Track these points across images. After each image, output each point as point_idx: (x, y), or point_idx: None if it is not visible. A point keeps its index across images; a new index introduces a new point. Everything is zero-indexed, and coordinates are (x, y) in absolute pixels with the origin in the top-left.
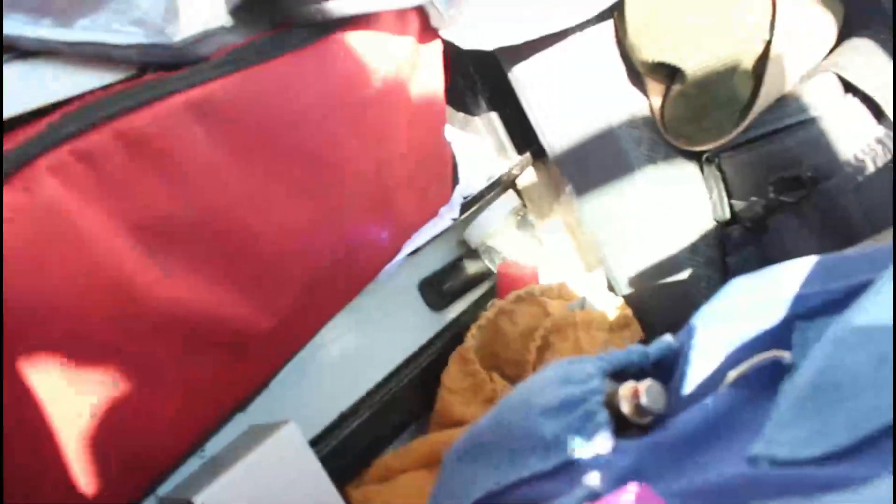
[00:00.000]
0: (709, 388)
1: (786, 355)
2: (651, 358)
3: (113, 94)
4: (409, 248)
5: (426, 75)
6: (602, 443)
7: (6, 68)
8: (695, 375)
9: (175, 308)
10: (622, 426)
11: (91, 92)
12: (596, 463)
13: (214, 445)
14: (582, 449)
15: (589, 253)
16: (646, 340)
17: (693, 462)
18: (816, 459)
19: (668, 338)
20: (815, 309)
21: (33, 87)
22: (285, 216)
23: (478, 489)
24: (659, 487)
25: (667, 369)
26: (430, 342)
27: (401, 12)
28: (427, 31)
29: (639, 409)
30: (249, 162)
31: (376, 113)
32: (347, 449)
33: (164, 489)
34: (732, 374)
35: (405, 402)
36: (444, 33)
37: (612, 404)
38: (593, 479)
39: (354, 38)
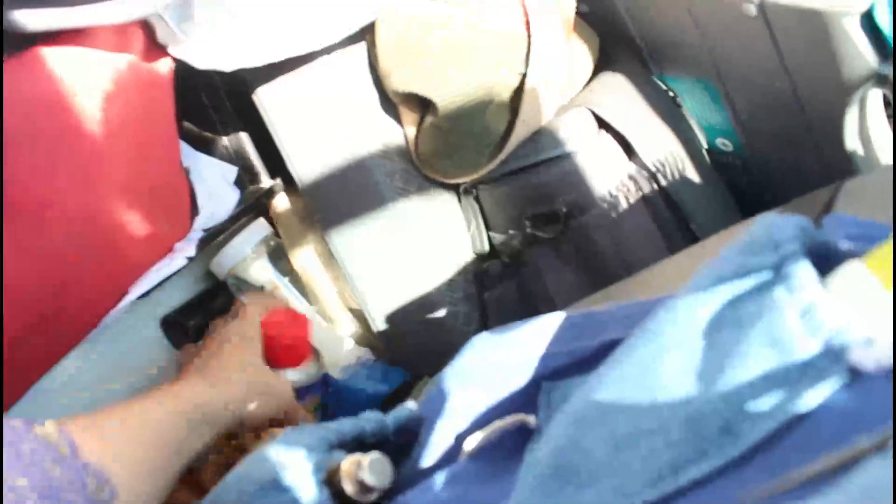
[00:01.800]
0: (450, 459)
1: (530, 420)
2: (391, 427)
3: None
4: (139, 288)
5: (152, 97)
6: None
7: None
8: (436, 444)
9: None
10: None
11: None
12: None
13: None
14: None
15: (345, 286)
16: (410, 383)
17: None
18: None
19: (410, 404)
20: (561, 369)
21: None
22: None
23: None
24: None
25: (412, 438)
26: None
27: (120, 27)
28: (154, 47)
29: (362, 485)
30: None
31: (86, 142)
32: None
33: None
34: (471, 443)
35: None
36: (174, 51)
37: (333, 481)
38: None
39: (57, 56)
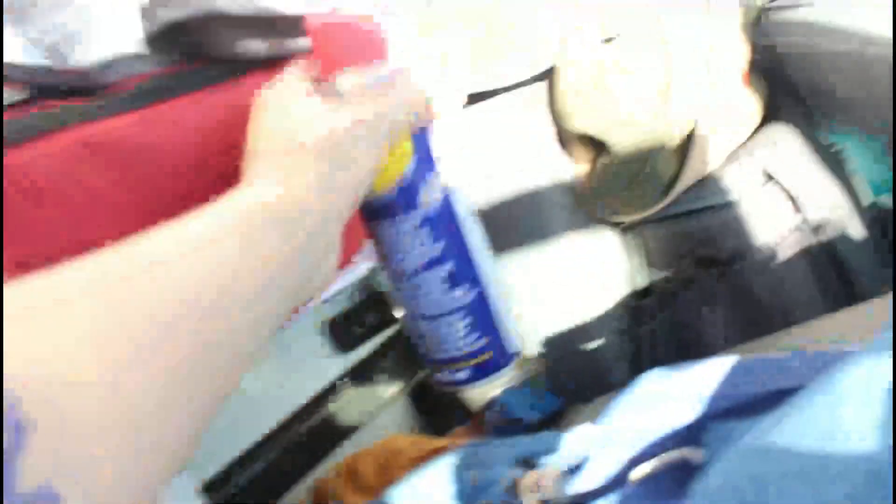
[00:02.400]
0: (617, 482)
1: (696, 455)
2: (561, 448)
3: None
4: (321, 295)
5: None
6: None
7: None
8: (603, 467)
9: None
10: None
11: None
12: None
13: None
14: None
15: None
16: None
17: None
18: None
19: (582, 429)
20: (729, 410)
21: None
22: None
23: None
24: None
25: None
26: (334, 384)
27: None
28: None
29: (541, 499)
30: (146, 210)
31: None
32: (242, 497)
33: None
34: (641, 471)
35: (305, 447)
36: None
37: (514, 492)
38: None
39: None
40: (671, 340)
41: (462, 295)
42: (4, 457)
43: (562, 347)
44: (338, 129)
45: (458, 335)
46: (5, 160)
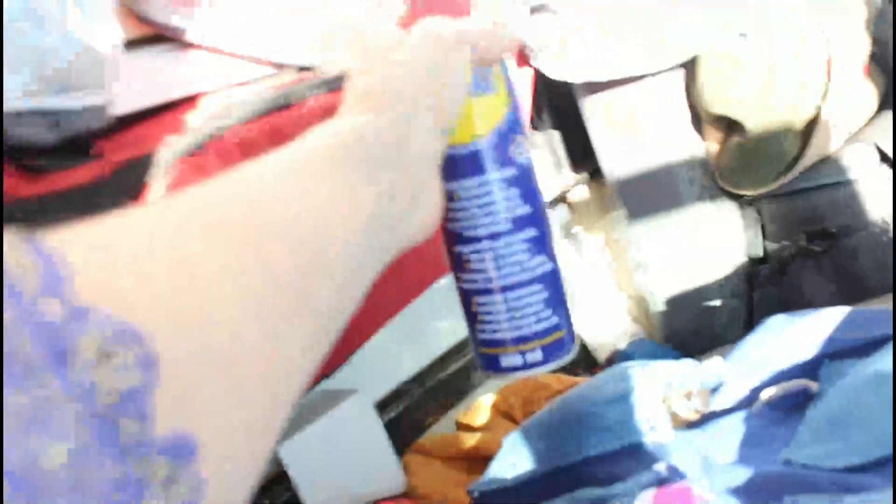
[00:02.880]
0: (747, 402)
1: (813, 385)
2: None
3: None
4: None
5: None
6: (662, 433)
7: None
8: (737, 390)
9: None
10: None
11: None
12: (659, 450)
13: None
14: (647, 436)
15: (621, 273)
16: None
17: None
18: (837, 470)
19: (716, 359)
20: (841, 351)
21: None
22: None
23: (543, 464)
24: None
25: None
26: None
27: None
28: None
29: (692, 409)
30: None
31: None
32: (407, 417)
33: None
34: (768, 394)
35: (454, 383)
36: (534, 62)
37: (667, 402)
38: (659, 465)
39: None
40: (781, 305)
41: (542, 263)
42: (136, 397)
43: (683, 306)
44: (420, 65)
45: (535, 308)
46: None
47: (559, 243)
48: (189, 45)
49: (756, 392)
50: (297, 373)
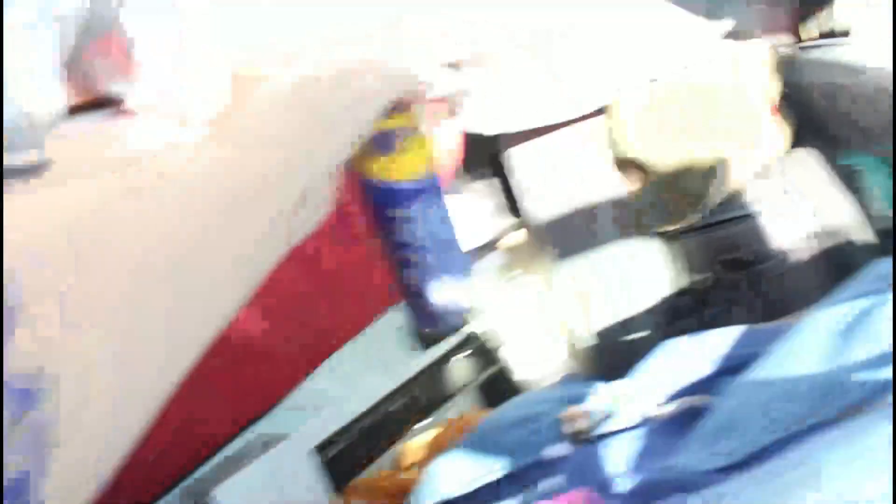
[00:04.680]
0: (646, 420)
1: (707, 400)
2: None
3: None
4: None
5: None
6: (559, 449)
7: None
8: (636, 408)
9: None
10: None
11: None
12: (557, 466)
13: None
14: (546, 454)
15: (557, 311)
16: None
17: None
18: (716, 470)
19: (620, 381)
20: (736, 367)
21: None
22: None
23: (462, 487)
24: (601, 489)
25: None
26: (415, 378)
27: None
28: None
29: (586, 427)
30: None
31: None
32: (345, 458)
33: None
34: (660, 411)
35: (393, 424)
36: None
37: (566, 421)
38: (554, 479)
39: None
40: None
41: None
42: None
43: (610, 338)
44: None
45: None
46: None
47: (498, 286)
48: (128, 111)
49: (655, 409)
50: (184, 337)
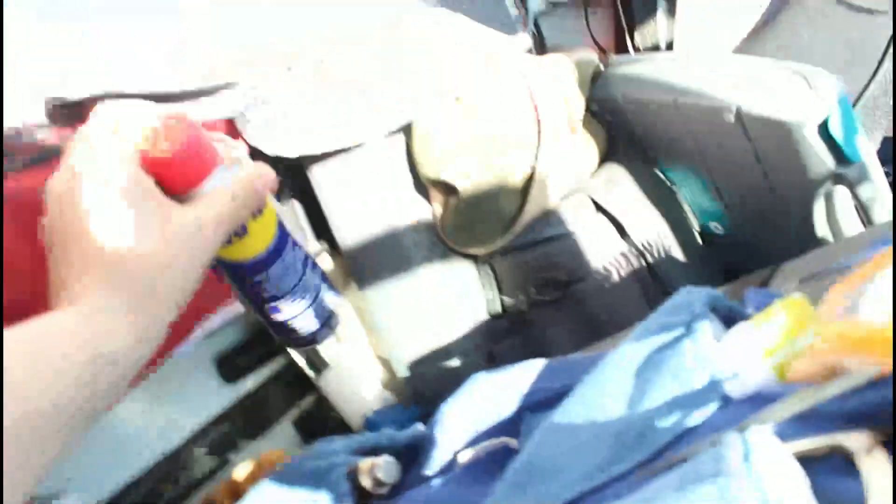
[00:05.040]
0: (448, 469)
1: (513, 442)
2: (400, 442)
3: None
4: (200, 332)
5: None
6: None
7: None
8: (438, 457)
9: None
10: (366, 495)
11: None
12: None
13: None
14: None
15: (370, 340)
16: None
17: None
18: None
19: (418, 426)
20: (540, 403)
21: None
22: None
23: None
24: None
25: (418, 450)
26: (224, 413)
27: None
28: (234, 136)
29: (376, 481)
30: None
31: None
32: None
33: None
34: (464, 456)
35: (193, 475)
36: (249, 139)
37: (355, 476)
38: None
39: None
40: (524, 356)
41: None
42: None
43: (426, 367)
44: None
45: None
46: None
47: None
48: None
49: (457, 455)
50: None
